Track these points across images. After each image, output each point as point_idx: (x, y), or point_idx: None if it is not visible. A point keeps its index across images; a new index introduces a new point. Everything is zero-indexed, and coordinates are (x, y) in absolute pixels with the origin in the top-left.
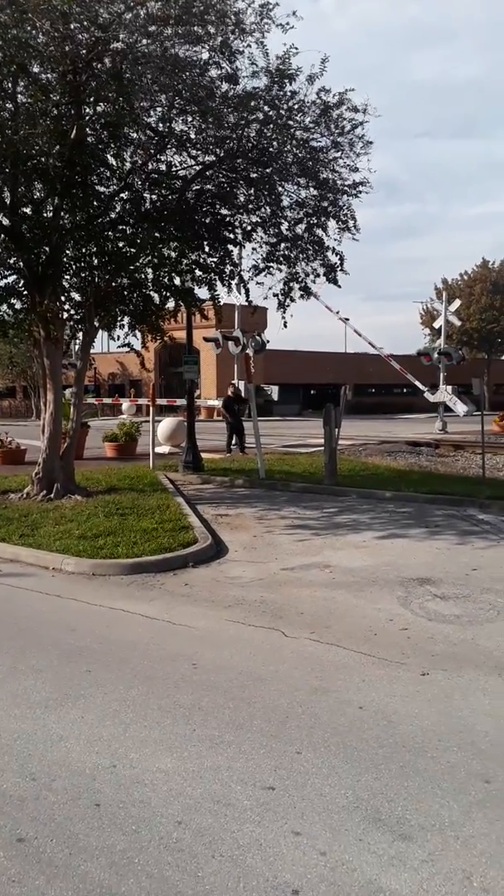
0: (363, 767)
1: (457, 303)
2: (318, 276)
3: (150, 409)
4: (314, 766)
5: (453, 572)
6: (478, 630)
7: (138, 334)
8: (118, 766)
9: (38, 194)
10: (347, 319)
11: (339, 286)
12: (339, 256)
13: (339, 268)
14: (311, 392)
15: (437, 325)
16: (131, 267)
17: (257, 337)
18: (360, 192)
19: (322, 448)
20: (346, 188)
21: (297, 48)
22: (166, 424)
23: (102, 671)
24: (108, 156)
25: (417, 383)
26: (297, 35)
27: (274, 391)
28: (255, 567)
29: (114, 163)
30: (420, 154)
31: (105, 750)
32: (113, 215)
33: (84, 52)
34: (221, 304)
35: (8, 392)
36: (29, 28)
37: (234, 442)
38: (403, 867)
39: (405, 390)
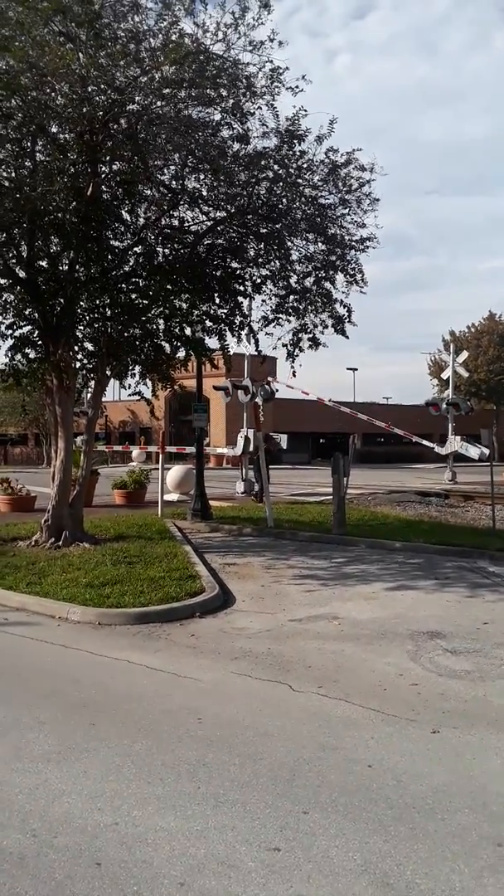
0: (371, 829)
1: (464, 354)
2: (326, 327)
3: (160, 456)
4: (321, 827)
5: (464, 626)
6: (489, 686)
7: (149, 383)
8: (120, 823)
9: (53, 248)
10: (308, 392)
11: (348, 337)
12: (347, 308)
13: (348, 319)
14: (320, 441)
15: (445, 375)
16: (143, 318)
17: (266, 386)
18: (368, 247)
19: (331, 497)
20: (353, 243)
21: (306, 110)
22: (175, 472)
23: (106, 724)
24: (123, 211)
25: (425, 443)
26: (310, 96)
27: (283, 440)
28: (263, 618)
29: (128, 218)
30: (429, 210)
31: (107, 807)
32: (126, 268)
33: (101, 113)
34: (231, 353)
35: (20, 439)
36: (48, 90)
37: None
38: None
39: (414, 440)
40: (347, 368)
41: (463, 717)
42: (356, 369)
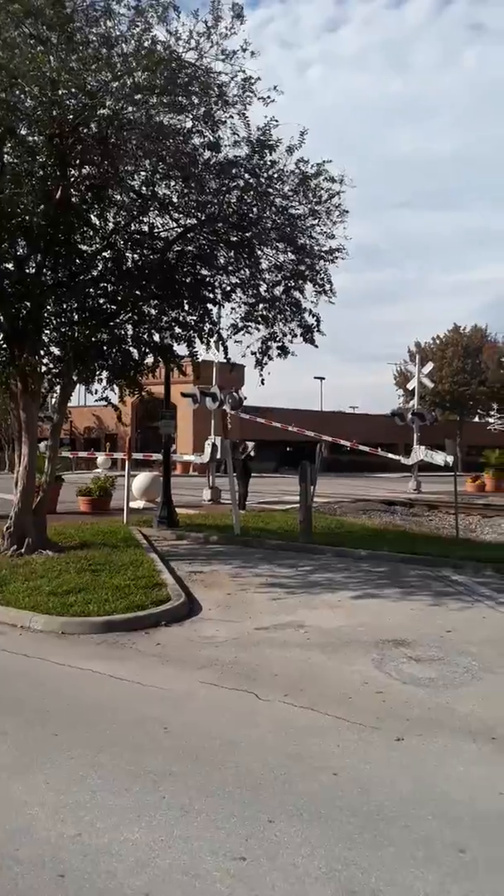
0: (337, 837)
1: (430, 365)
2: (295, 336)
3: (126, 463)
4: (287, 836)
5: (428, 634)
6: (453, 694)
7: (116, 389)
8: (84, 834)
9: (20, 251)
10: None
11: (316, 346)
12: (315, 318)
13: (316, 329)
14: (288, 449)
15: (410, 386)
16: (111, 323)
17: (234, 394)
18: (337, 258)
19: (297, 505)
20: (322, 254)
21: (277, 120)
22: (141, 479)
23: (70, 735)
24: (92, 216)
25: (391, 455)
26: (282, 106)
27: (250, 447)
28: (229, 626)
29: (97, 223)
30: (399, 223)
31: (71, 818)
32: (95, 273)
33: (71, 117)
34: (200, 360)
35: None
36: (17, 92)
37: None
38: None
39: (379, 448)
40: (315, 377)
41: (427, 725)
42: (323, 378)
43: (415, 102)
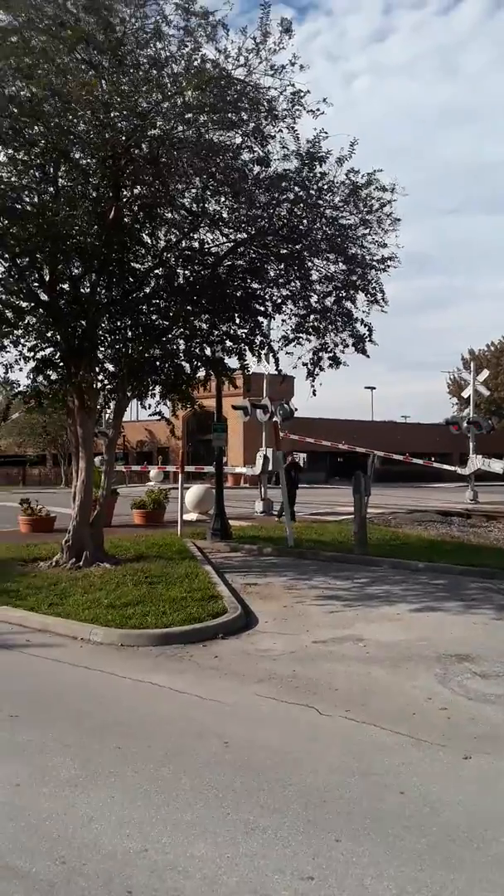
0: (406, 858)
1: (485, 373)
2: (346, 346)
3: (179, 476)
4: (354, 856)
5: (493, 648)
6: None
7: (169, 403)
8: (150, 850)
9: (75, 271)
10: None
11: (368, 356)
12: (367, 328)
13: (368, 338)
14: (339, 459)
15: (465, 394)
16: (164, 338)
17: (285, 405)
18: (389, 266)
19: (351, 516)
20: (374, 263)
21: (326, 132)
22: (194, 492)
23: (132, 748)
24: (144, 234)
25: (446, 467)
26: (330, 118)
27: (302, 458)
28: (286, 639)
29: (148, 241)
30: (449, 229)
31: (136, 833)
32: (147, 290)
33: (123, 138)
34: (251, 373)
35: (38, 460)
36: (70, 117)
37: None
38: None
39: (432, 459)
40: (365, 387)
41: (495, 743)
42: (374, 388)
43: (464, 107)
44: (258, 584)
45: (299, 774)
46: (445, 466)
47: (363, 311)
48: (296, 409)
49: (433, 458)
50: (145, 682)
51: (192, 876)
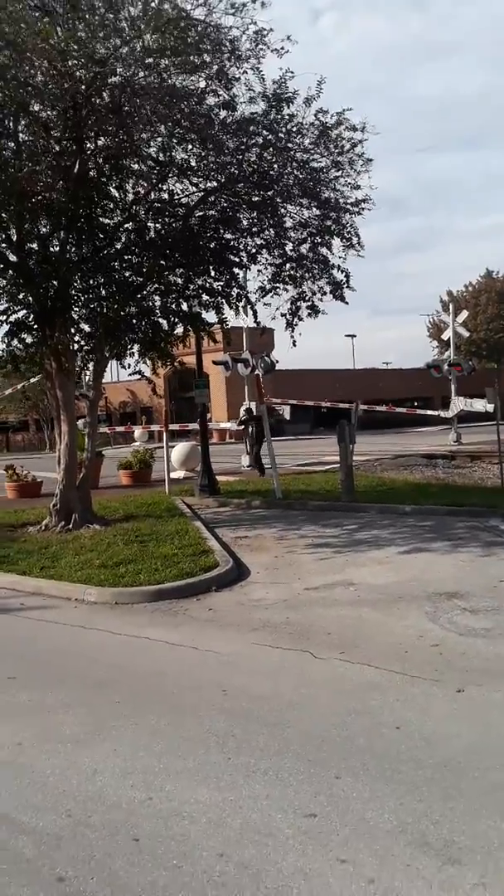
0: (405, 790)
1: (464, 314)
2: (324, 294)
3: (164, 435)
4: (355, 791)
5: (481, 585)
6: None
7: (149, 361)
8: (154, 798)
9: (43, 229)
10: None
11: (347, 303)
12: (344, 274)
13: (346, 285)
14: (322, 410)
15: (445, 336)
16: (139, 295)
17: (266, 358)
18: (363, 209)
19: (337, 465)
20: (348, 206)
21: (292, 72)
22: (180, 449)
23: (131, 702)
24: (111, 188)
25: (430, 412)
26: (297, 58)
27: (286, 411)
28: (279, 588)
29: (116, 195)
30: (424, 169)
31: (140, 783)
32: (118, 246)
33: (83, 87)
34: (229, 327)
35: (21, 426)
36: (27, 67)
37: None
38: (455, 892)
39: (416, 404)
40: (346, 335)
41: (486, 675)
42: (354, 336)
43: (435, 42)
44: (248, 537)
45: (297, 717)
46: (428, 412)
47: (339, 257)
48: (277, 362)
49: (416, 403)
50: (141, 637)
51: (198, 820)
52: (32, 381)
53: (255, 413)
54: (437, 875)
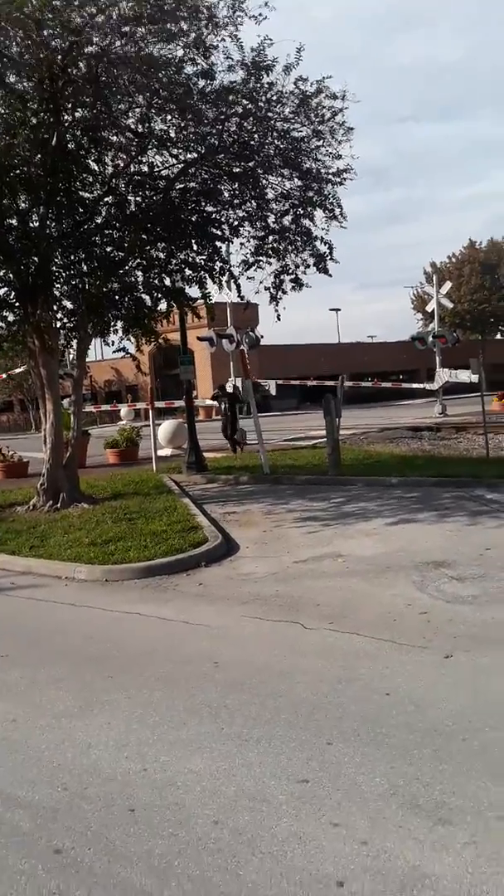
0: (396, 754)
1: (447, 285)
2: (308, 266)
3: (150, 412)
4: (346, 756)
5: (467, 553)
6: (497, 609)
7: (132, 339)
8: (149, 769)
9: (22, 205)
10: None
11: (330, 275)
12: (328, 246)
13: (329, 257)
14: (308, 385)
15: (429, 308)
16: (121, 271)
17: (251, 333)
18: (345, 179)
19: (324, 440)
20: (330, 177)
21: (271, 39)
22: (166, 427)
23: (124, 676)
24: (90, 161)
25: (415, 386)
26: (276, 26)
27: (272, 386)
28: (268, 562)
29: (95, 168)
30: (405, 138)
31: (134, 754)
32: (99, 220)
33: (59, 57)
34: (213, 302)
35: (5, 406)
36: (2, 38)
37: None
38: (446, 852)
39: (401, 377)
40: (330, 309)
41: (474, 641)
42: (339, 310)
43: (415, 10)
44: (237, 513)
45: (288, 687)
46: (414, 385)
47: (322, 229)
48: (262, 337)
49: (401, 377)
50: (132, 613)
51: (192, 789)
52: (18, 370)
53: (228, 389)
54: (429, 836)
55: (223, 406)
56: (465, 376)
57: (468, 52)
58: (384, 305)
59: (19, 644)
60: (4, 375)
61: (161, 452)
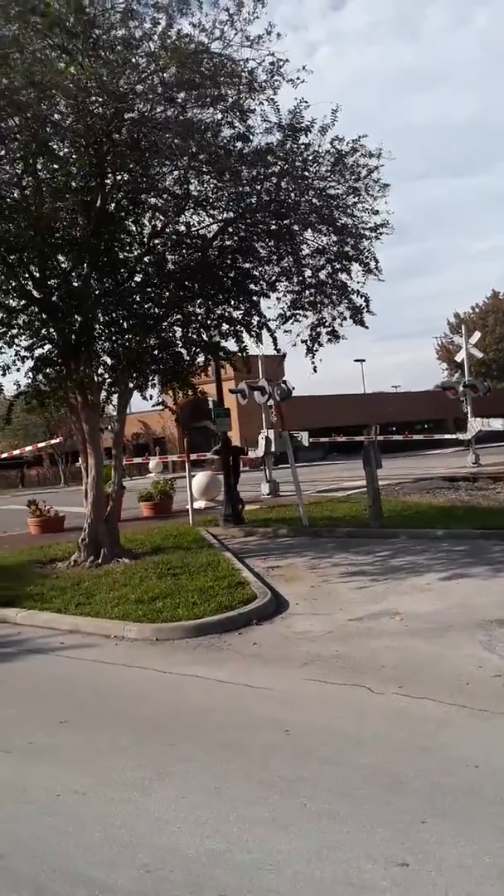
0: (498, 832)
1: (477, 335)
2: (344, 319)
3: (186, 464)
4: (445, 835)
5: None
6: None
7: (170, 392)
8: (233, 849)
9: (65, 265)
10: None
11: (367, 327)
12: (364, 298)
13: (366, 309)
14: (339, 439)
15: (458, 358)
16: (160, 327)
17: (282, 385)
18: (382, 233)
19: (357, 490)
20: (366, 232)
21: (307, 102)
22: (200, 479)
23: (188, 744)
24: (128, 222)
25: (447, 436)
26: (301, 88)
27: (304, 437)
28: (321, 619)
29: (134, 229)
30: (421, 194)
31: (214, 832)
32: (138, 279)
33: (103, 123)
34: (248, 355)
35: (35, 460)
36: (47, 106)
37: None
38: None
39: (426, 426)
40: (355, 360)
41: None
42: (364, 360)
43: (427, 71)
44: (280, 567)
45: (365, 756)
46: (447, 436)
47: (358, 282)
48: (293, 388)
49: (427, 426)
50: (188, 675)
51: (283, 873)
52: (55, 441)
53: (230, 444)
54: None
55: (231, 462)
56: (498, 424)
57: (482, 108)
58: (404, 356)
59: (77, 708)
60: (35, 447)
61: (195, 505)
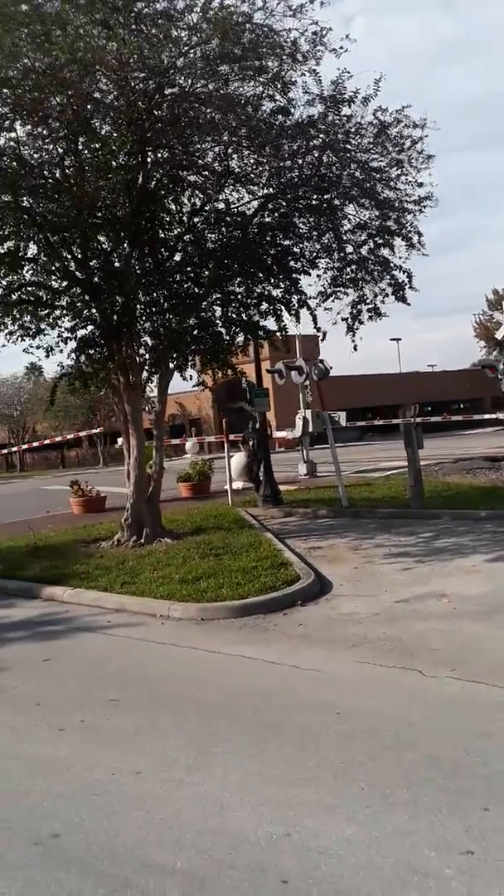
0: None
1: None
2: (386, 295)
3: (225, 445)
4: None
5: None
6: None
7: (209, 372)
8: (293, 834)
9: (106, 245)
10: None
11: (409, 304)
12: (407, 274)
13: (409, 285)
14: (370, 417)
15: (498, 335)
16: (200, 307)
17: (320, 364)
18: (426, 206)
19: (397, 471)
20: (409, 206)
21: (350, 72)
22: (237, 460)
23: (243, 725)
24: (168, 201)
25: (487, 416)
26: (330, 62)
27: (342, 417)
28: (367, 601)
29: (173, 207)
30: (458, 168)
31: (276, 817)
32: (178, 258)
33: (145, 99)
34: (288, 334)
35: (74, 442)
36: (88, 82)
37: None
38: None
39: (462, 406)
40: (391, 339)
41: None
42: (400, 339)
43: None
44: (322, 547)
45: (422, 741)
46: (486, 416)
47: (400, 258)
48: (331, 368)
49: (464, 405)
50: (236, 655)
51: (346, 860)
52: (96, 431)
53: (268, 425)
54: None
55: (252, 443)
56: None
57: None
58: (441, 334)
59: (128, 687)
60: (77, 435)
61: (233, 485)
